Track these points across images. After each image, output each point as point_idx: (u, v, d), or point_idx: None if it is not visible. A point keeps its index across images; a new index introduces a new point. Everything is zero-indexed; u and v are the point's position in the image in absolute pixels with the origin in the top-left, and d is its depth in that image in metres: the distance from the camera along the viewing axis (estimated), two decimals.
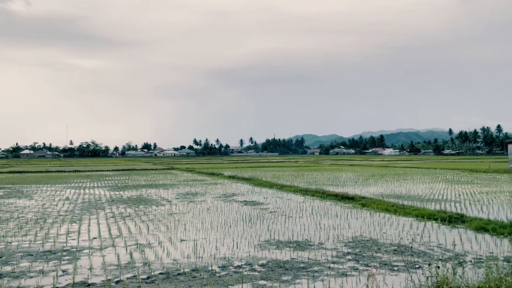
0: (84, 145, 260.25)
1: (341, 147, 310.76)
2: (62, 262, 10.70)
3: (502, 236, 12.99)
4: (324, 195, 24.76)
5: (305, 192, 26.78)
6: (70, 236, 13.98)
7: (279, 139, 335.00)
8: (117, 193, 28.59)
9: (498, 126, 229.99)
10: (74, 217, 18.04)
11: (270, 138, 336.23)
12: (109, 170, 63.56)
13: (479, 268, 9.58)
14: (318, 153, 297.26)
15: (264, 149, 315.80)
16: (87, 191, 30.35)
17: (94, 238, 13.71)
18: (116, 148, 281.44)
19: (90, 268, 10.12)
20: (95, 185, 35.87)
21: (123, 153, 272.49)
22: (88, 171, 62.61)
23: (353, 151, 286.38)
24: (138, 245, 12.51)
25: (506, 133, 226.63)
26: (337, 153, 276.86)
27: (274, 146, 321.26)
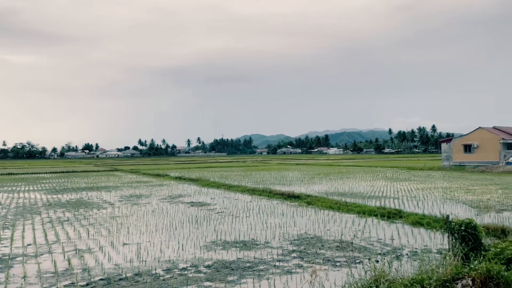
0: (18, 146, 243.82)
1: (288, 146, 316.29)
2: None
3: (435, 229, 13.83)
4: (271, 194, 25.06)
5: (252, 191, 26.93)
6: (2, 243, 13.05)
7: (227, 139, 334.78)
8: (54, 196, 27.11)
9: (433, 126, 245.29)
10: (6, 223, 16.86)
11: (218, 138, 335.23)
12: (46, 173, 60.19)
13: (415, 260, 10.13)
14: (266, 153, 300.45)
15: (212, 149, 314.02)
16: (21, 195, 28.50)
17: (28, 244, 12.90)
18: (54, 149, 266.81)
19: (24, 277, 9.50)
20: (31, 188, 33.77)
21: (62, 155, 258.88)
22: (23, 173, 58.86)
23: (299, 150, 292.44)
24: (77, 251, 11.92)
25: (440, 133, 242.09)
26: (284, 153, 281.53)
27: (222, 146, 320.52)
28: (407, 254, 10.89)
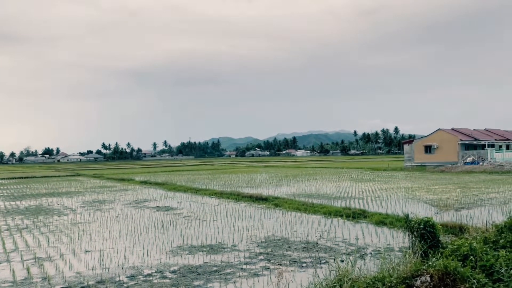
0: None
1: (257, 149, 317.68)
2: None
3: (397, 228, 14.23)
4: (239, 197, 25.04)
5: (220, 194, 26.82)
6: None
7: (195, 142, 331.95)
8: (12, 203, 25.98)
9: (396, 128, 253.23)
10: None
11: (185, 141, 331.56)
12: (3, 178, 57.56)
13: (378, 259, 10.39)
14: (234, 156, 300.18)
15: (179, 153, 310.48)
16: None
17: None
18: (12, 154, 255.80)
19: None
20: None
21: (20, 159, 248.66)
22: None
23: (268, 153, 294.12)
24: (37, 259, 11.47)
25: (403, 134, 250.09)
26: (252, 155, 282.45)
27: (189, 150, 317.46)
28: (370, 253, 11.15)
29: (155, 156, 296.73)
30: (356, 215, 16.89)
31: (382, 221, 15.39)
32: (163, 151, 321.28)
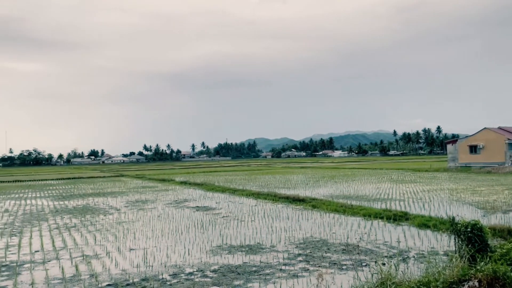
0: (25, 153, 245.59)
1: (293, 150, 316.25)
2: (1, 279, 10.05)
3: (442, 231, 13.77)
4: (276, 197, 25.06)
5: (257, 195, 26.95)
6: (9, 250, 13.16)
7: (231, 143, 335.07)
8: (61, 203, 27.27)
9: (438, 128, 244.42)
10: (14, 230, 16.99)
11: (222, 142, 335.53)
12: (53, 179, 60.54)
13: (421, 263, 10.10)
14: (270, 157, 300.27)
15: (216, 154, 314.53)
16: (28, 202, 28.69)
17: (36, 251, 13.00)
18: (60, 156, 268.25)
19: (32, 283, 9.57)
20: (38, 195, 33.99)
21: (68, 161, 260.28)
22: (30, 180, 59.23)
23: (304, 153, 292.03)
24: (84, 257, 12.00)
25: (445, 134, 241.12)
26: (288, 156, 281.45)
27: (226, 151, 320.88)
28: (413, 257, 10.85)
29: (193, 157, 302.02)
30: (397, 217, 16.48)
31: (425, 223, 14.93)
32: (201, 152, 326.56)
